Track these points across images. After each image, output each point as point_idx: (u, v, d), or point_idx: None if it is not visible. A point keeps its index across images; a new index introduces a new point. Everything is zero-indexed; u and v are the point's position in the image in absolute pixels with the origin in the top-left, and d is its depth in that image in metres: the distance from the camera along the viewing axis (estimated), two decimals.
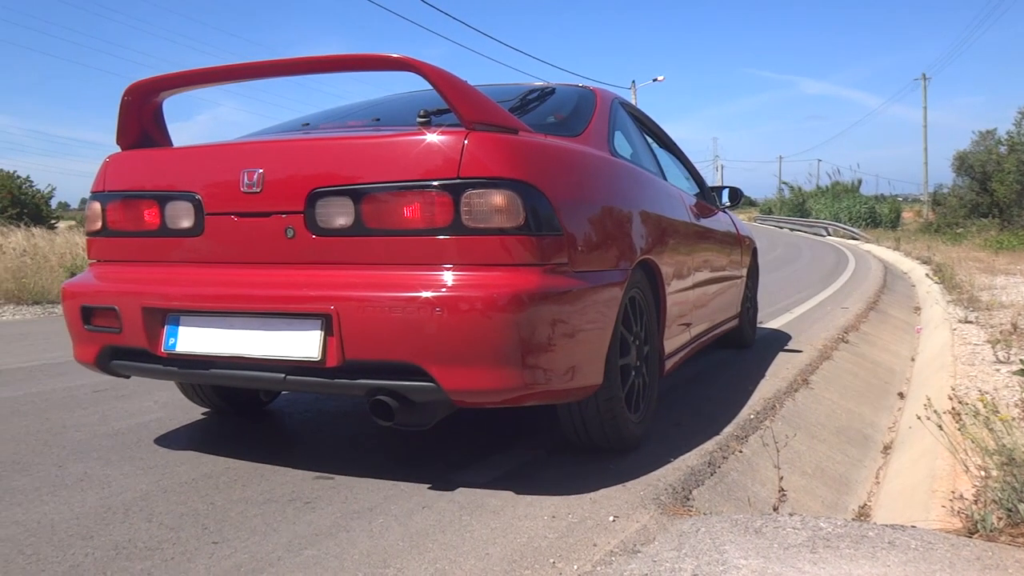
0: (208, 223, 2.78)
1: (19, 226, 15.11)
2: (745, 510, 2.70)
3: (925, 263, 17.09)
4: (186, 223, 2.83)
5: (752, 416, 3.74)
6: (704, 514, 2.46)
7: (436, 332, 2.40)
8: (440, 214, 2.48)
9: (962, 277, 11.10)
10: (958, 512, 2.42)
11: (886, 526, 2.25)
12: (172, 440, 3.23)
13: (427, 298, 2.41)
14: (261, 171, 2.66)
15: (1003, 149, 32.23)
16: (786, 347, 5.86)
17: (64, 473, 2.80)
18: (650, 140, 4.34)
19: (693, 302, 4.05)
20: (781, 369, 4.95)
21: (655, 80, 40.16)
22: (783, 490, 2.94)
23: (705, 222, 4.51)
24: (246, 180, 2.67)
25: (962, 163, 34.74)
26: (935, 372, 5.24)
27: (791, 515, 2.37)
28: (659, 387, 3.40)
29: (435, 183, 2.47)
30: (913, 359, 6.51)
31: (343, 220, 2.58)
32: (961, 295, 9.30)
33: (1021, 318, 6.32)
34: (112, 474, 2.79)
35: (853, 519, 2.82)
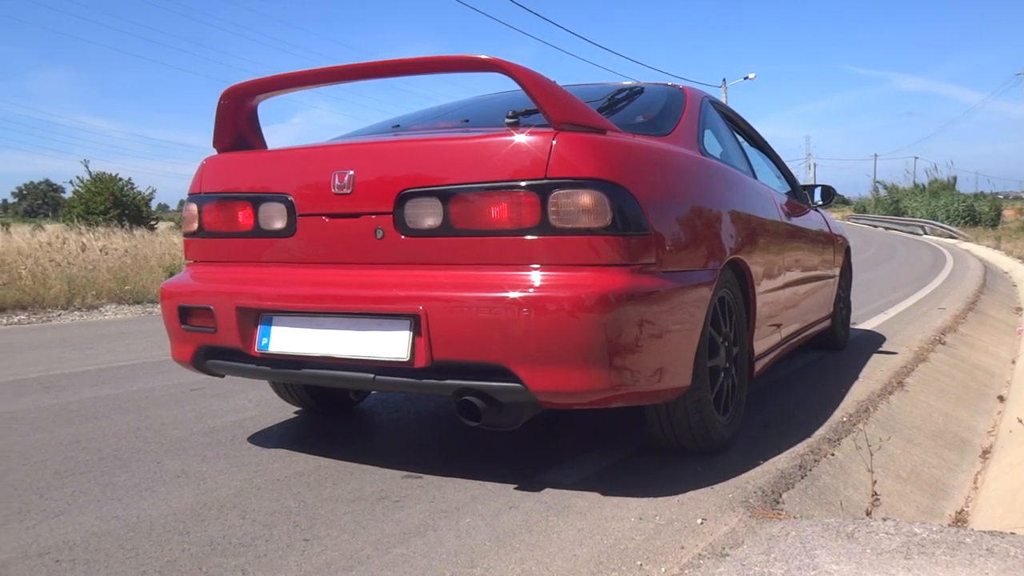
0: (300, 224, 2.82)
1: (121, 227, 15.67)
2: (837, 514, 2.64)
3: None
4: (279, 224, 2.87)
5: (845, 419, 3.65)
6: (794, 518, 2.42)
7: (523, 333, 2.40)
8: (527, 214, 2.47)
9: None
10: None
11: (984, 532, 2.17)
12: (265, 438, 3.31)
13: (514, 298, 2.41)
14: (351, 173, 2.69)
15: None
16: (880, 349, 5.72)
17: (162, 469, 2.89)
18: (740, 139, 4.29)
19: (784, 302, 3.98)
20: (875, 371, 4.83)
21: (746, 78, 39.62)
22: (876, 494, 2.87)
23: (796, 221, 4.43)
24: (337, 182, 2.71)
25: None
26: None
27: (884, 520, 2.31)
28: (748, 389, 3.35)
29: (523, 183, 2.47)
30: (1014, 361, 6.29)
31: (431, 221, 2.59)
32: None
33: None
34: (207, 471, 2.87)
35: (949, 525, 2.74)
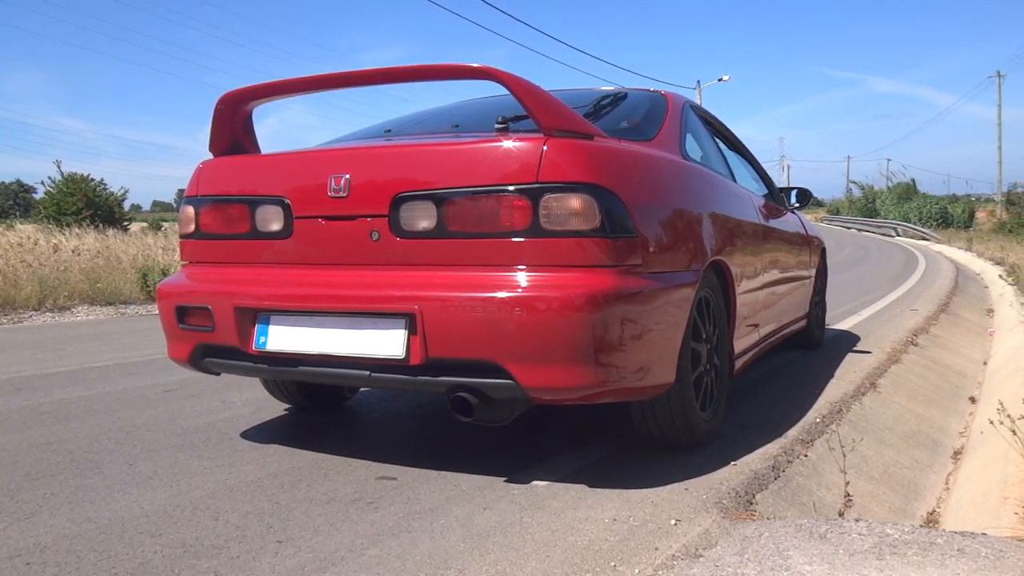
0: (297, 226, 2.88)
1: (93, 228, 15.53)
2: (810, 515, 2.66)
3: (998, 264, 16.65)
4: (275, 226, 2.94)
5: (818, 419, 3.68)
6: (768, 519, 2.43)
7: (515, 331, 2.47)
8: (519, 217, 2.55)
9: None
10: None
11: (955, 533, 2.19)
12: (239, 440, 3.29)
13: (506, 298, 2.48)
14: (347, 176, 2.76)
15: None
16: (854, 348, 5.76)
17: (134, 471, 2.86)
18: (720, 142, 4.39)
19: (762, 302, 4.08)
20: (848, 372, 4.86)
21: (721, 80, 39.79)
22: (849, 495, 2.90)
23: (774, 223, 4.53)
24: (333, 185, 2.77)
25: None
26: (1008, 376, 5.10)
27: (857, 521, 2.33)
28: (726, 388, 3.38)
29: (514, 187, 2.55)
30: (985, 363, 6.35)
31: (426, 223, 2.66)
32: None
33: None
34: (180, 473, 2.85)
35: (921, 525, 2.76)
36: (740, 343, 3.68)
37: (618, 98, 3.69)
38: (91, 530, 2.31)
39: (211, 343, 3.01)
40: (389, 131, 3.63)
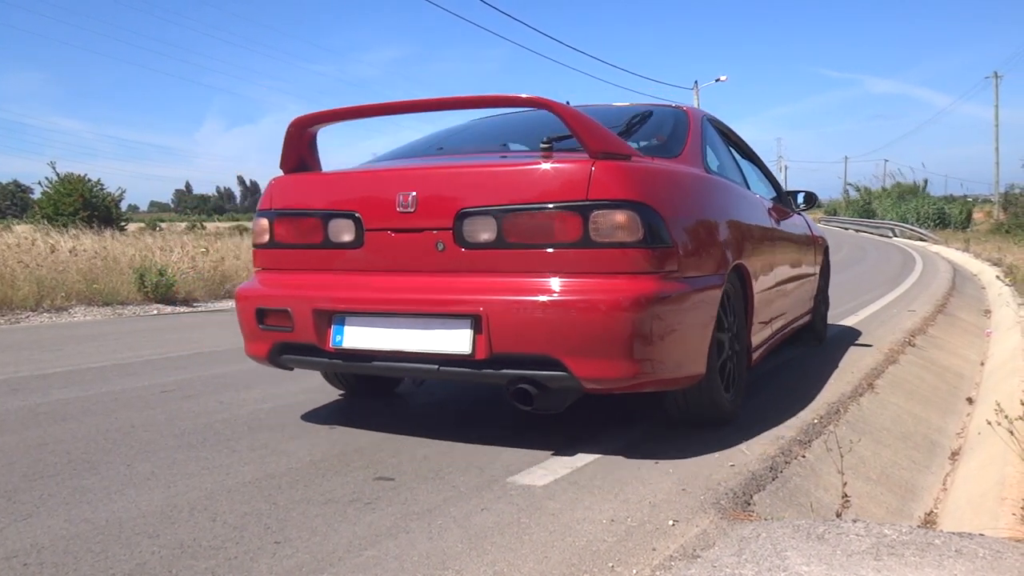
0: (368, 237, 3.21)
1: (90, 228, 15.50)
2: (807, 516, 2.66)
3: (995, 265, 16.67)
4: (347, 237, 3.26)
5: (816, 420, 3.68)
6: (765, 519, 2.43)
7: (571, 330, 2.81)
8: (571, 230, 2.88)
9: None
10: None
11: (953, 534, 2.20)
12: (236, 441, 3.29)
13: (562, 301, 2.82)
14: (414, 193, 3.09)
15: None
16: (855, 343, 5.76)
17: (132, 472, 2.86)
18: (732, 151, 4.71)
19: (775, 299, 4.42)
20: (846, 373, 4.87)
21: (718, 80, 39.82)
22: (847, 496, 2.90)
23: (784, 225, 4.88)
24: (401, 201, 3.10)
25: None
26: (1006, 377, 5.10)
27: (855, 521, 2.33)
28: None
29: (567, 204, 2.89)
30: (983, 363, 6.35)
31: (487, 235, 3.00)
32: None
33: None
34: (178, 473, 2.85)
35: (919, 526, 2.76)
36: (756, 337, 4.03)
37: (645, 116, 3.98)
38: (88, 531, 2.30)
39: (289, 341, 3.32)
40: (441, 149, 4.01)
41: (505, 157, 3.51)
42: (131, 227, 24.73)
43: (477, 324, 2.93)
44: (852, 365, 5.14)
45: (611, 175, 2.90)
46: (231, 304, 9.73)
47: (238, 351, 5.73)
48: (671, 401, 3.38)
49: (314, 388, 4.34)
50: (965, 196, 63.14)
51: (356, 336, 3.16)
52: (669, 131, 3.87)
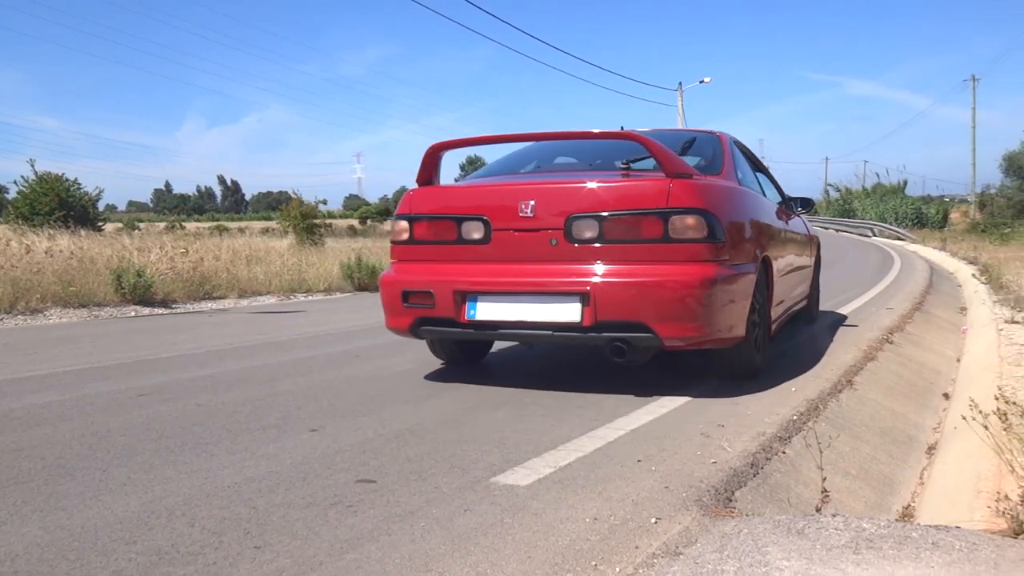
0: (495, 236, 4.18)
1: (66, 228, 15.36)
2: (788, 511, 2.67)
3: (971, 263, 16.83)
4: (477, 235, 4.23)
5: (795, 416, 3.70)
6: (747, 515, 2.44)
7: (656, 302, 3.82)
8: (655, 230, 3.90)
9: (1009, 277, 10.90)
10: (1003, 513, 2.38)
11: (930, 527, 2.21)
12: (215, 444, 3.26)
13: (650, 281, 3.84)
14: (533, 202, 4.09)
15: None
16: (831, 343, 5.80)
17: (108, 477, 2.83)
18: (750, 165, 5.72)
19: (786, 284, 5.54)
20: (825, 370, 4.89)
21: (702, 82, 40.08)
22: (826, 491, 2.91)
23: (791, 225, 6.08)
24: (523, 208, 4.09)
25: (1011, 164, 34.26)
26: (981, 372, 5.14)
27: (834, 516, 2.34)
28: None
29: (652, 211, 3.91)
30: (959, 360, 6.40)
31: (590, 234, 4.00)
32: (1008, 295, 9.13)
33: None
34: (155, 478, 2.82)
35: (896, 520, 2.77)
36: (774, 312, 5.11)
37: (692, 141, 5.10)
38: (64, 538, 2.28)
39: (429, 316, 4.28)
40: (538, 166, 5.11)
41: (597, 175, 4.39)
42: (108, 227, 24.56)
43: (585, 299, 3.91)
44: (831, 362, 5.17)
45: (684, 190, 3.93)
46: (211, 306, 9.69)
47: (216, 353, 5.70)
48: (718, 358, 4.42)
49: (295, 391, 4.32)
50: (942, 196, 63.74)
51: (486, 310, 4.14)
52: (711, 153, 4.94)
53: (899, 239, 34.37)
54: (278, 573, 2.04)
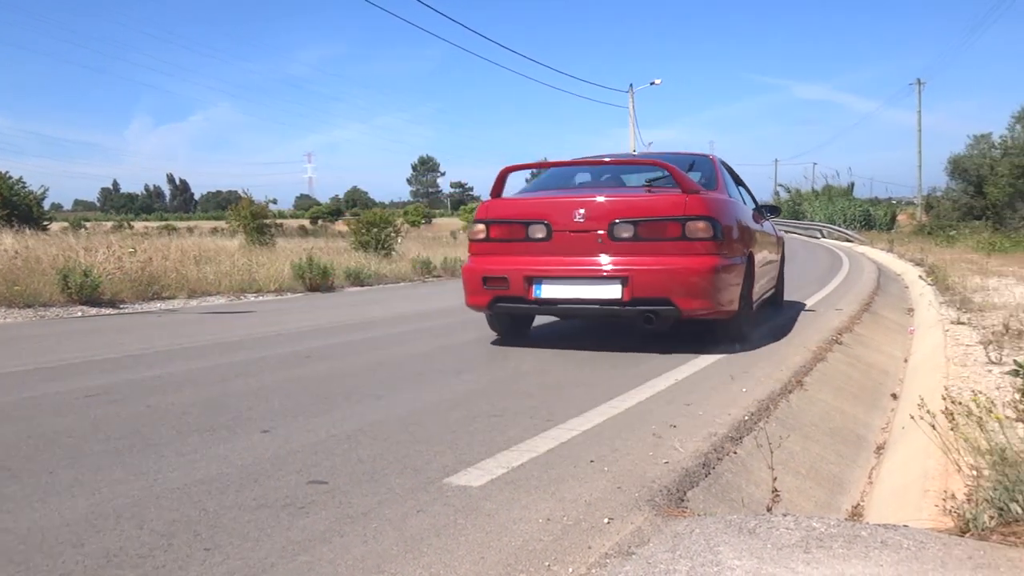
0: (555, 236, 5.63)
1: (9, 227, 15.04)
2: (739, 511, 2.69)
3: (918, 265, 17.13)
4: (541, 235, 5.68)
5: (746, 417, 3.73)
6: (699, 515, 2.46)
7: (677, 284, 5.27)
8: (675, 231, 5.38)
9: (955, 279, 11.12)
10: (950, 511, 2.42)
11: (879, 525, 2.24)
12: (165, 446, 3.22)
13: (673, 268, 5.29)
14: (583, 210, 5.57)
15: (996, 153, 32.36)
16: (781, 343, 5.87)
17: (55, 479, 2.78)
18: (731, 177, 7.16)
19: (762, 272, 6.99)
20: (775, 371, 4.95)
21: (652, 83, 40.45)
22: (777, 490, 2.94)
23: (764, 227, 7.55)
24: (576, 215, 5.58)
25: (956, 166, 34.93)
26: (928, 373, 5.24)
27: (785, 515, 2.37)
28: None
29: (673, 217, 5.39)
30: (906, 360, 6.52)
31: (627, 234, 5.46)
32: (954, 296, 9.31)
33: (1013, 319, 6.32)
34: (103, 480, 2.77)
35: (846, 519, 2.81)
36: (755, 295, 6.53)
37: (692, 162, 6.66)
38: (9, 541, 2.23)
39: (504, 295, 5.70)
40: (582, 184, 6.74)
41: (630, 190, 6.20)
42: (54, 226, 24.15)
43: (624, 282, 5.35)
44: (782, 363, 5.23)
45: (696, 203, 5.43)
46: (160, 306, 9.55)
47: (166, 353, 5.62)
48: (719, 327, 5.83)
49: (246, 391, 4.27)
50: (890, 199, 64.91)
51: (549, 291, 5.57)
52: (708, 172, 6.50)
53: (848, 241, 34.93)
54: (229, 575, 2.01)
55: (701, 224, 5.33)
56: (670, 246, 5.36)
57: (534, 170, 7.61)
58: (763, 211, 7.97)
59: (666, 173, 5.69)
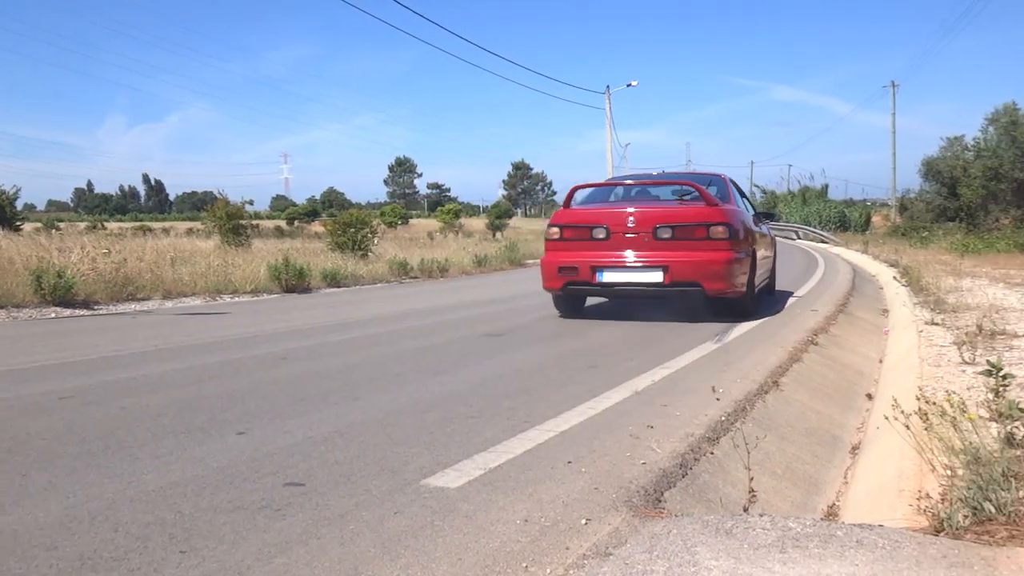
0: (612, 236, 7.57)
1: None
2: (716, 511, 2.70)
3: (893, 266, 17.26)
4: (602, 236, 7.61)
5: (723, 418, 3.75)
6: (676, 516, 2.46)
7: (703, 271, 7.22)
8: (702, 233, 7.34)
9: (928, 280, 11.21)
10: (925, 511, 2.44)
11: (854, 525, 2.26)
12: (140, 448, 3.20)
13: (700, 259, 7.25)
14: (633, 217, 7.52)
15: (970, 155, 32.67)
16: (758, 344, 5.90)
17: (28, 482, 2.75)
18: (737, 192, 9.10)
19: (761, 265, 8.72)
20: (752, 371, 4.97)
21: (629, 85, 40.66)
22: (753, 491, 2.96)
23: (761, 229, 9.35)
24: (628, 221, 7.53)
25: (930, 168, 35.21)
26: (902, 373, 5.28)
27: (761, 515, 2.38)
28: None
29: (700, 223, 7.35)
30: (881, 360, 6.56)
31: (667, 235, 7.41)
32: (928, 297, 9.39)
33: (986, 320, 6.38)
34: (77, 483, 2.75)
35: (822, 519, 2.83)
36: (756, 281, 8.31)
37: (710, 180, 8.59)
38: None
39: (574, 280, 7.59)
40: (630, 198, 8.67)
41: (667, 203, 8.25)
42: (27, 227, 23.95)
43: (665, 270, 7.25)
44: (758, 364, 5.26)
45: (717, 212, 7.38)
46: (134, 307, 9.47)
47: (140, 355, 5.58)
48: (732, 303, 7.60)
49: (222, 393, 4.25)
50: (865, 200, 65.35)
51: (608, 277, 7.50)
52: (722, 189, 8.43)
53: (823, 242, 35.16)
54: None
55: (720, 228, 7.39)
56: (698, 244, 7.38)
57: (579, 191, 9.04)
58: (761, 217, 9.96)
59: (694, 191, 7.91)
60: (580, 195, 8.66)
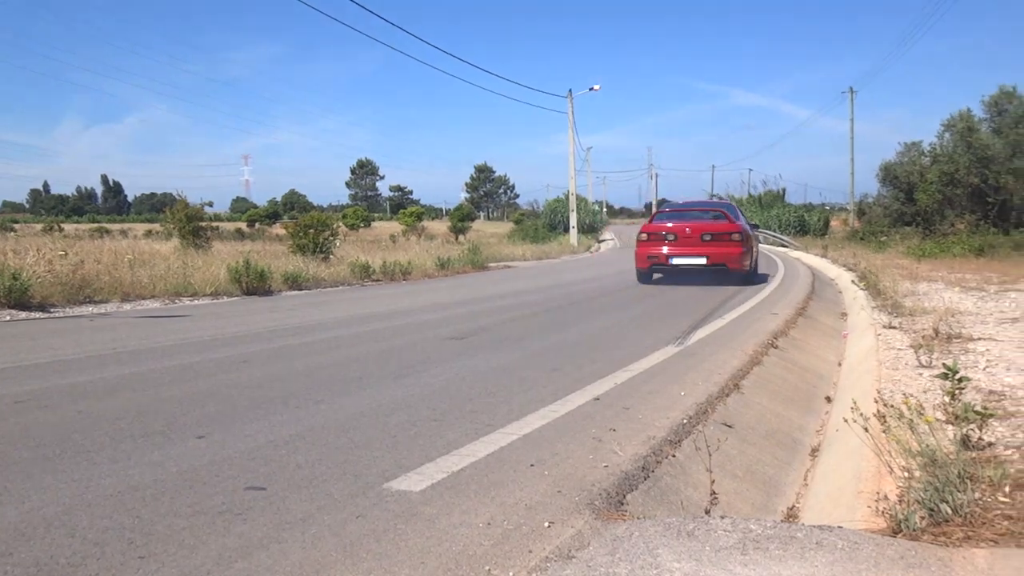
0: (679, 238, 14.39)
1: None
2: (678, 514, 2.72)
3: (851, 270, 17.49)
4: (671, 238, 14.39)
5: (685, 420, 3.78)
6: (638, 518, 2.48)
7: (728, 258, 14.15)
8: (727, 238, 14.30)
9: (886, 284, 11.37)
10: (883, 512, 2.48)
11: (814, 527, 2.28)
12: (98, 452, 3.15)
13: (727, 251, 14.16)
14: (689, 228, 14.43)
15: (926, 160, 33.15)
16: (719, 347, 5.94)
17: None
18: (741, 212, 16.59)
19: (754, 254, 15.78)
20: (713, 374, 5.01)
21: (591, 89, 40.83)
22: (715, 493, 2.98)
23: (753, 232, 16.15)
24: (687, 230, 14.42)
25: (888, 173, 35.64)
26: (861, 376, 5.35)
27: (722, 518, 2.40)
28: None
29: (727, 232, 14.28)
30: (840, 363, 6.64)
31: (708, 238, 14.30)
32: (885, 301, 9.52)
33: (942, 323, 6.49)
34: (33, 487, 2.70)
35: (782, 521, 2.86)
36: (753, 264, 15.32)
37: (727, 206, 16.17)
38: None
39: (656, 263, 14.41)
40: (684, 216, 15.53)
41: (708, 220, 14.86)
42: None
43: (708, 257, 14.03)
44: (720, 367, 5.30)
45: (736, 227, 14.28)
46: (92, 309, 9.34)
47: (98, 358, 5.51)
48: (743, 276, 14.04)
49: (181, 397, 4.20)
50: (823, 204, 66.04)
51: (676, 260, 14.12)
52: (733, 211, 15.45)
53: (783, 246, 35.49)
54: None
55: (737, 236, 13.70)
56: (725, 243, 13.68)
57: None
58: (752, 226, 16.29)
59: (721, 214, 14.61)
60: (663, 210, 16.38)
